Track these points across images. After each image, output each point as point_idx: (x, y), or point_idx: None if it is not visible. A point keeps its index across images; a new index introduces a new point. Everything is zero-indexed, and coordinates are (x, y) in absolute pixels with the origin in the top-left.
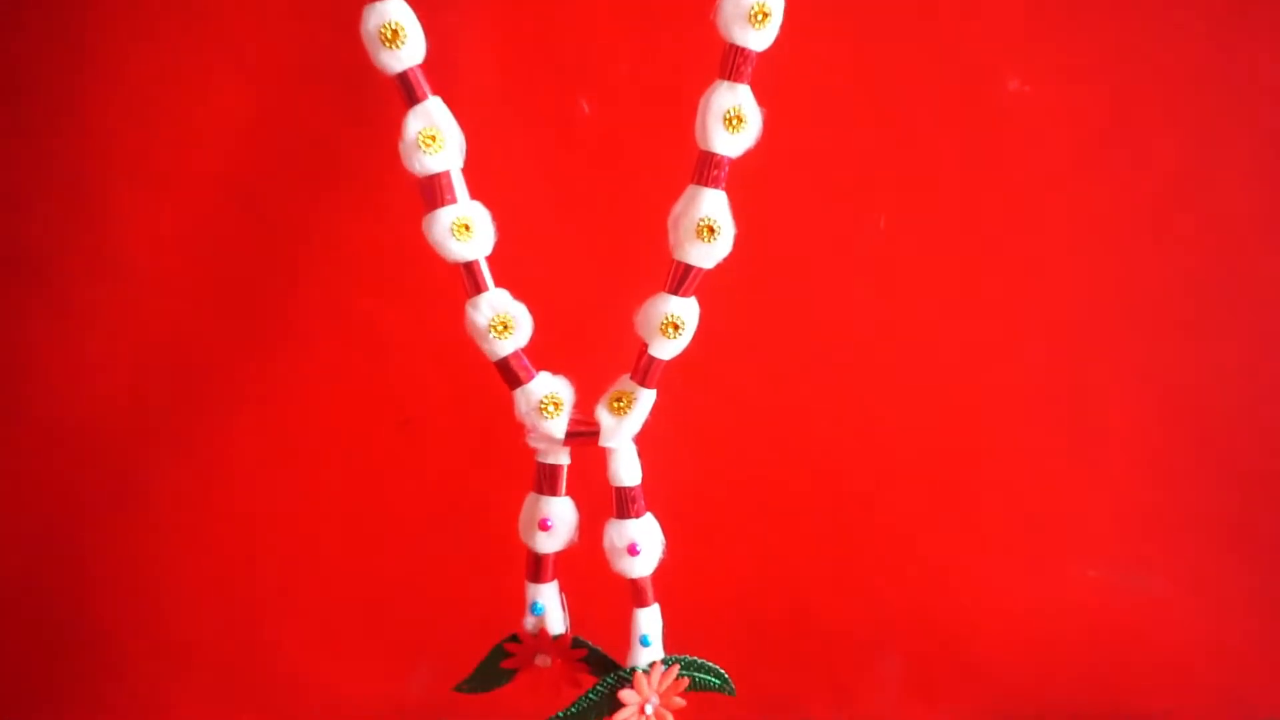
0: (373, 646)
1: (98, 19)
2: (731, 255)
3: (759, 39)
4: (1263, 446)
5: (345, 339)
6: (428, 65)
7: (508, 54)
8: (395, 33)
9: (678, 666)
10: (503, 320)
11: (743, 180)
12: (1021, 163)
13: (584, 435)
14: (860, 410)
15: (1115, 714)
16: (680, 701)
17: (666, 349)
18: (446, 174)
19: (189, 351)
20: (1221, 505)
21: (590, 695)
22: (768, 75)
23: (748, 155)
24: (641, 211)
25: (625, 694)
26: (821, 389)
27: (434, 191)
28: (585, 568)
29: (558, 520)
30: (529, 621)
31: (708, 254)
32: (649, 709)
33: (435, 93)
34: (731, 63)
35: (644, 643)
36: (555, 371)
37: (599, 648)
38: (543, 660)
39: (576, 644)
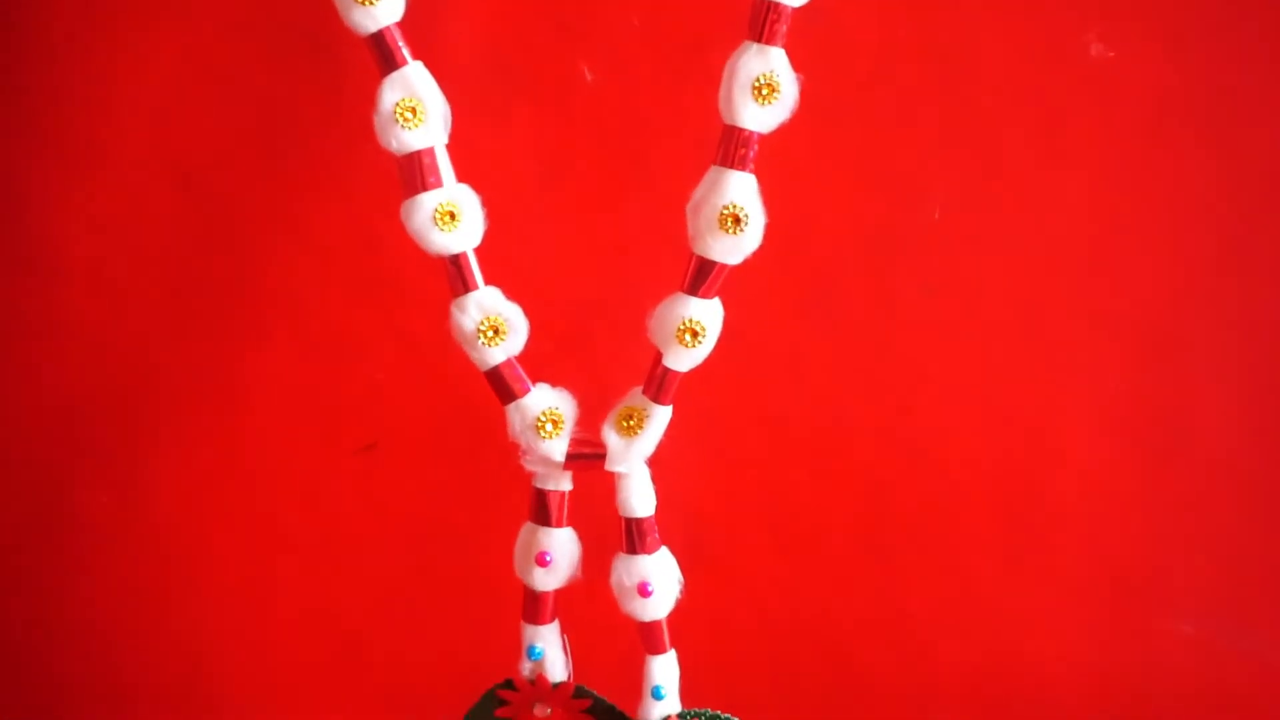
0: (340, 701)
1: None
2: (761, 250)
3: None
4: None
5: (304, 347)
6: (407, 24)
7: (499, 12)
8: None
9: None
10: (494, 324)
11: (775, 161)
12: (1104, 142)
13: (588, 458)
14: (910, 431)
15: None
16: None
17: (684, 359)
18: (429, 152)
19: (118, 359)
20: None
21: None
22: (805, 36)
23: (780, 131)
24: (655, 197)
25: None
26: (865, 406)
27: (414, 173)
28: (590, 608)
29: (558, 554)
30: (526, 667)
31: (733, 248)
32: None
33: (416, 57)
34: (763, 21)
35: (657, 695)
36: (555, 384)
37: (605, 698)
38: (541, 710)
39: (579, 694)
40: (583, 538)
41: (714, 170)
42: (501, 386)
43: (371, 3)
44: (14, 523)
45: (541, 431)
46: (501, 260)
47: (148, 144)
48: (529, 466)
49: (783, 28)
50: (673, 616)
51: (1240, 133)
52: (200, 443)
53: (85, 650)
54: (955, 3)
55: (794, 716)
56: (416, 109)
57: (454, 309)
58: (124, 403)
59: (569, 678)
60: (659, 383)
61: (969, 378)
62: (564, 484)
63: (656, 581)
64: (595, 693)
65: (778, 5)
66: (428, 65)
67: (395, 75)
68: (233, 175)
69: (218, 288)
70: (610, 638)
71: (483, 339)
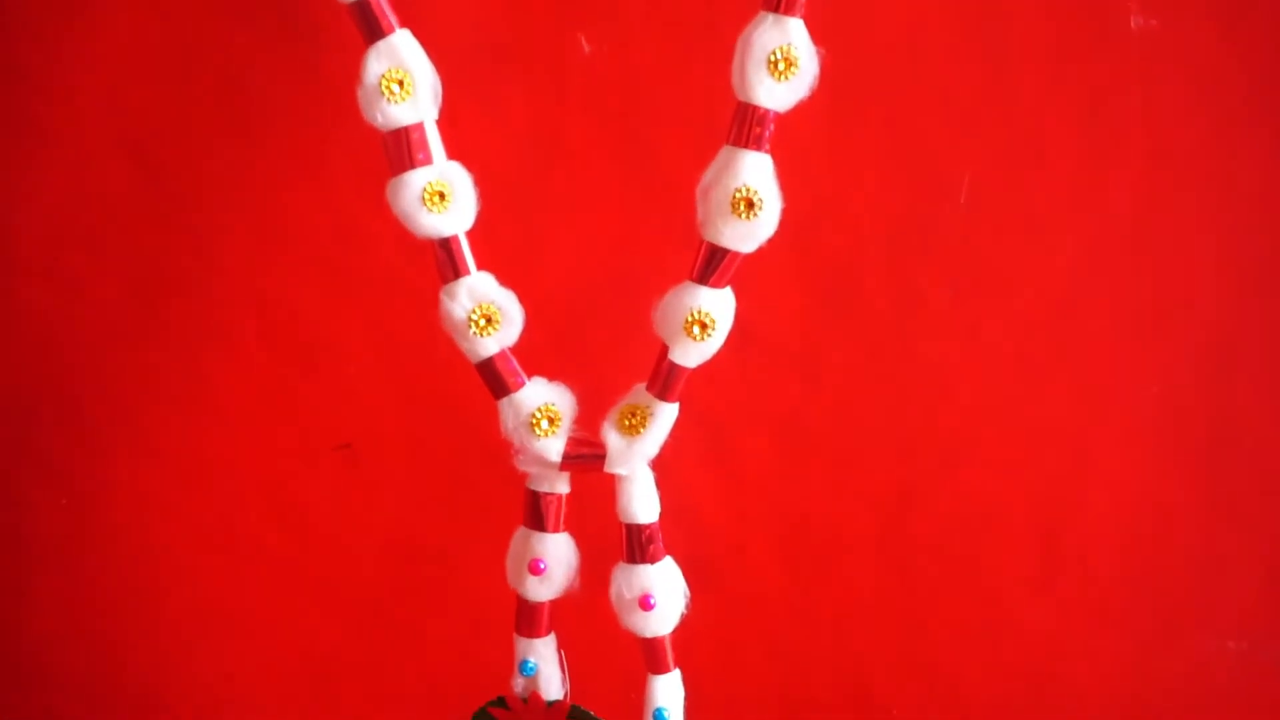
0: None
1: None
2: (774, 238)
3: None
4: None
5: (273, 343)
6: None
7: None
8: None
9: None
10: (486, 312)
11: (792, 142)
12: (1148, 122)
13: (587, 459)
14: (936, 439)
15: None
16: None
17: (693, 353)
18: (418, 127)
19: (74, 357)
20: None
21: None
22: (826, 6)
23: (798, 109)
24: (661, 179)
25: None
26: (887, 411)
27: (401, 150)
28: (588, 622)
29: (553, 562)
30: (518, 683)
31: (746, 234)
32: None
33: (403, 25)
34: None
35: (659, 717)
36: (551, 378)
37: None
38: None
39: (576, 714)
40: (581, 547)
41: (726, 150)
42: (494, 380)
43: None
44: None
45: (536, 429)
46: (494, 246)
47: (102, 124)
48: (523, 467)
49: None
50: (676, 638)
51: None
52: (162, 446)
53: (36, 667)
54: None
55: None
56: (404, 81)
57: (443, 296)
58: (81, 403)
59: (565, 696)
60: (664, 378)
61: (1000, 381)
62: (560, 486)
63: (659, 594)
64: (593, 714)
65: None
66: (415, 34)
67: (381, 44)
68: (196, 157)
69: (181, 280)
70: (610, 655)
71: (474, 329)
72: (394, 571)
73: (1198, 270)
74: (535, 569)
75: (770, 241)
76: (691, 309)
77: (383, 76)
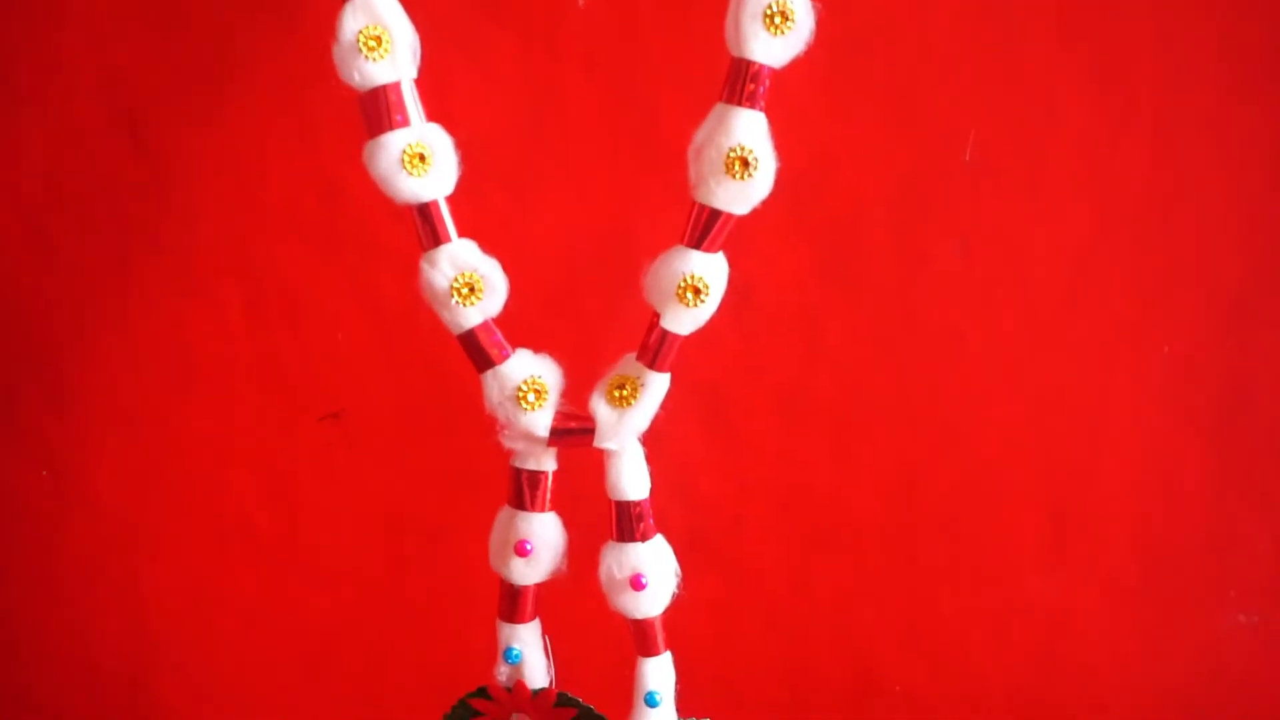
0: (297, 707)
1: None
2: (771, 198)
3: None
4: None
5: (257, 309)
6: None
7: None
8: None
9: None
10: (469, 281)
11: (788, 99)
12: (1165, 79)
13: (575, 433)
14: (941, 409)
15: None
16: None
17: (685, 320)
18: (396, 87)
19: (52, 323)
20: None
21: None
22: None
23: (794, 65)
24: (653, 139)
25: None
26: (890, 380)
27: (379, 111)
28: (576, 606)
29: (540, 543)
30: (502, 672)
31: (740, 195)
32: None
33: None
34: None
35: (650, 702)
36: (537, 349)
37: (591, 707)
38: None
39: (563, 702)
40: (568, 525)
41: (719, 108)
42: (477, 352)
43: None
44: None
45: (523, 403)
46: (479, 211)
47: (82, 84)
48: (508, 443)
49: None
50: (670, 616)
51: None
52: (144, 416)
53: (13, 644)
54: None
55: None
56: (381, 38)
57: (424, 264)
58: (61, 372)
59: (551, 684)
60: (656, 347)
61: (1008, 349)
62: (547, 463)
63: (650, 573)
64: (580, 701)
65: None
66: None
67: (358, 0)
68: (177, 121)
69: (162, 246)
70: (598, 639)
71: (456, 298)
72: (383, 545)
73: (1211, 235)
74: (521, 551)
75: (767, 203)
76: (684, 274)
77: (359, 33)
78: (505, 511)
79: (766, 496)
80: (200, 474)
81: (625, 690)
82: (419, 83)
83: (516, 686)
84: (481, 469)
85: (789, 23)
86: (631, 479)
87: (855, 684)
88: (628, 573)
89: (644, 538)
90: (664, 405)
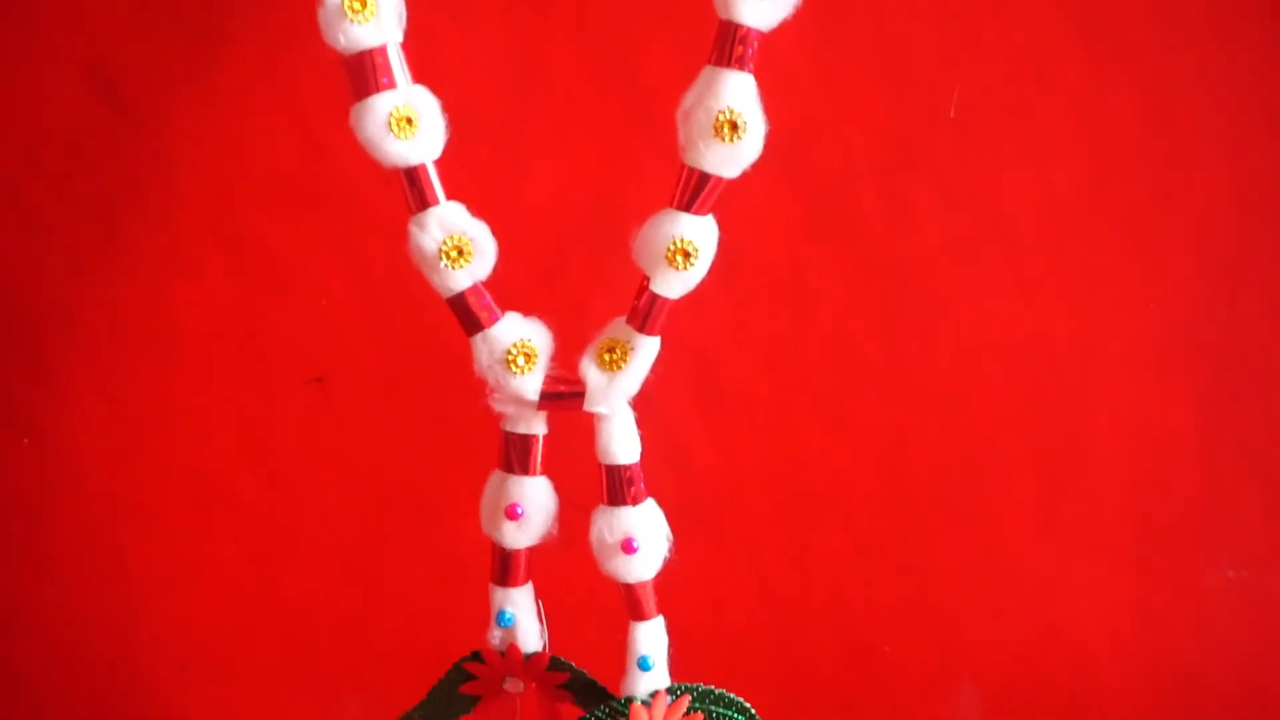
0: (283, 676)
1: None
2: (761, 161)
3: None
4: None
5: (240, 274)
6: None
7: None
8: None
9: (688, 698)
10: (457, 244)
11: (776, 61)
12: (1156, 33)
13: (565, 397)
14: (931, 371)
15: None
16: None
17: (675, 284)
18: (382, 50)
19: (32, 289)
20: None
21: None
22: None
23: (783, 27)
24: (641, 102)
25: None
26: (880, 342)
27: (364, 73)
28: (567, 569)
29: (530, 506)
30: (494, 636)
31: (729, 158)
32: None
33: None
34: None
35: (643, 665)
36: (528, 313)
37: (584, 671)
38: (514, 685)
39: (556, 666)
40: (560, 491)
41: (708, 71)
42: (466, 315)
43: None
44: None
45: (512, 366)
46: (468, 174)
47: (59, 49)
48: (498, 407)
49: None
50: (662, 588)
51: None
52: (126, 383)
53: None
54: None
55: (801, 701)
56: (366, 0)
57: (412, 227)
58: (42, 338)
59: (544, 648)
60: (645, 311)
61: (998, 310)
62: (537, 427)
63: (642, 537)
64: (574, 665)
65: None
66: None
67: None
68: (158, 82)
69: (142, 207)
70: (590, 604)
71: (445, 261)
72: (367, 514)
73: (1202, 188)
74: (512, 514)
75: (756, 165)
76: (673, 237)
77: None
78: (496, 475)
79: (757, 464)
80: (183, 442)
81: (618, 655)
82: (404, 45)
83: (509, 650)
84: (467, 436)
85: None
86: (622, 443)
87: (847, 652)
88: (619, 537)
89: (635, 501)
90: (652, 371)
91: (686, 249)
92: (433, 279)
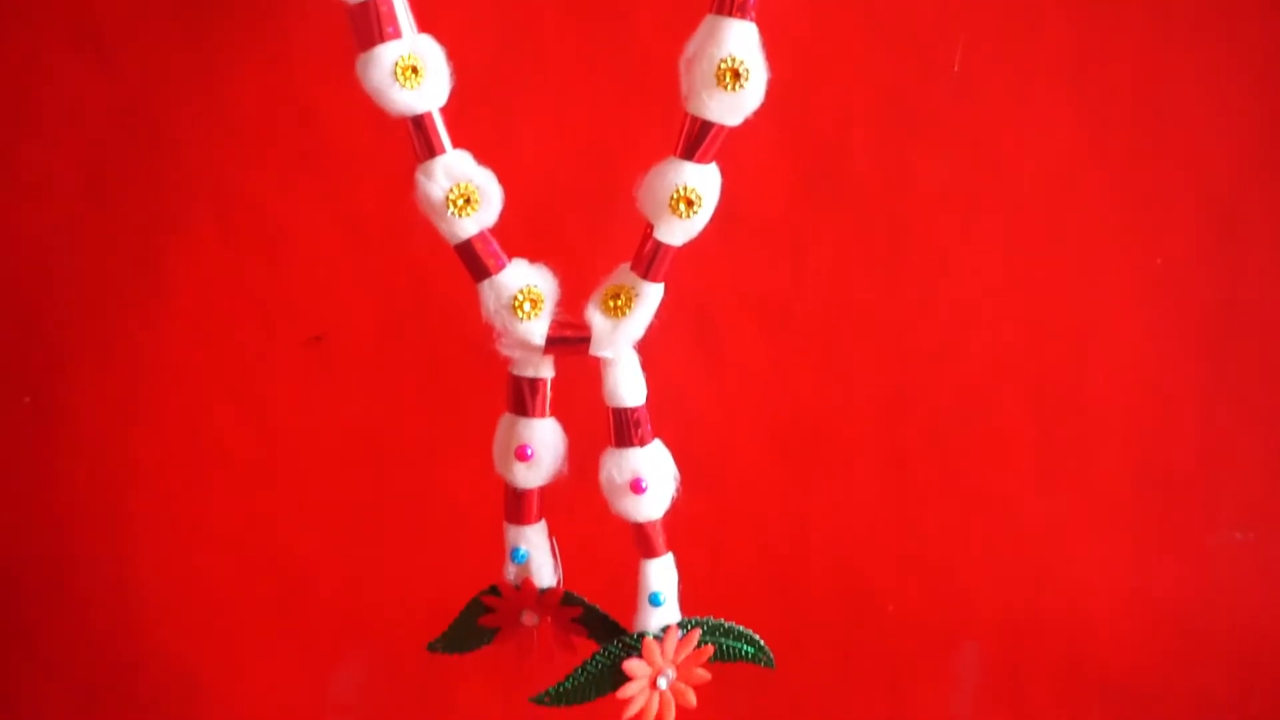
0: (285, 634)
1: None
2: (758, 114)
3: None
4: None
5: (234, 232)
6: None
7: None
8: None
9: (699, 631)
10: (464, 192)
11: (775, 8)
12: None
13: (571, 342)
14: (930, 323)
15: None
16: (704, 674)
17: (678, 231)
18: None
19: (23, 249)
20: None
21: (589, 666)
22: None
23: None
24: (642, 50)
25: (631, 665)
26: (878, 295)
27: (370, 23)
28: (578, 508)
29: (540, 447)
30: (510, 571)
31: (732, 106)
32: (663, 683)
33: None
34: None
35: (654, 601)
36: (533, 259)
37: (596, 606)
38: (530, 618)
39: (569, 600)
40: (569, 431)
41: (710, 19)
42: (474, 262)
43: None
44: None
45: (519, 312)
46: (465, 123)
47: (53, 8)
48: (505, 351)
49: None
50: (670, 519)
51: None
52: (122, 342)
53: None
54: None
55: (800, 649)
56: None
57: (419, 176)
58: (32, 299)
59: (558, 583)
60: (649, 258)
61: (996, 263)
62: (544, 371)
63: (650, 477)
64: (586, 600)
65: None
66: None
67: None
68: (149, 38)
69: (133, 165)
70: (603, 541)
71: (452, 209)
72: (365, 471)
73: (1202, 145)
74: (522, 455)
75: (755, 118)
76: (676, 185)
77: None
78: (506, 418)
79: (756, 415)
80: (180, 400)
81: (630, 590)
82: None
83: (524, 585)
84: (464, 389)
85: None
86: (628, 386)
87: (845, 602)
88: (627, 477)
89: (642, 443)
90: (653, 323)
91: (689, 197)
92: (440, 227)
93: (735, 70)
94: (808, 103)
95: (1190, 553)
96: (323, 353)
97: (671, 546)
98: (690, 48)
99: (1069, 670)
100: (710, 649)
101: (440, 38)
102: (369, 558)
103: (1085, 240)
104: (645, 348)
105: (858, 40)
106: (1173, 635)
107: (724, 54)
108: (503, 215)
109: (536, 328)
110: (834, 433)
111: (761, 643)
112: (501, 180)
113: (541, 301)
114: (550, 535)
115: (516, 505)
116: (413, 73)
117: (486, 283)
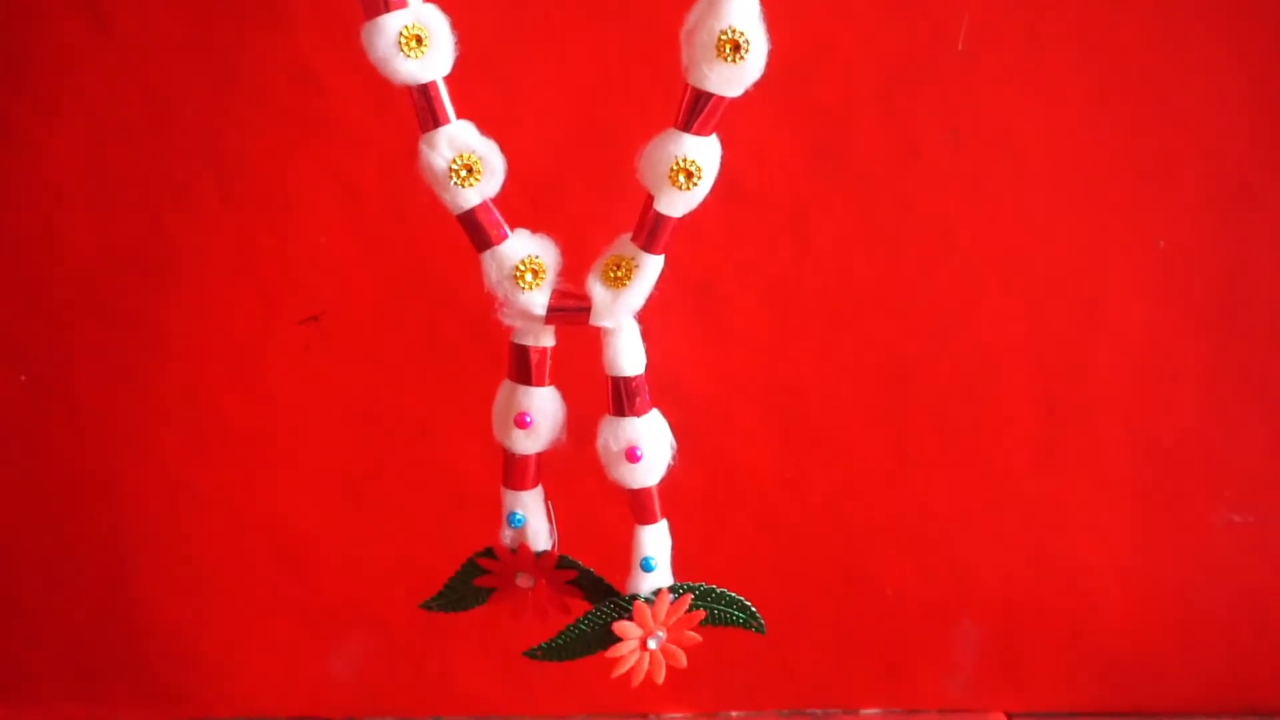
0: (282, 608)
1: None
2: (759, 85)
3: None
4: None
5: (233, 206)
6: None
7: None
8: None
9: (690, 596)
10: (467, 162)
11: None
12: None
13: (572, 311)
14: (933, 299)
15: (1269, 700)
16: (694, 636)
17: (678, 202)
18: None
19: (22, 223)
20: None
21: (581, 625)
22: None
23: None
24: (646, 21)
25: (621, 626)
26: (881, 270)
27: None
28: (575, 474)
29: (539, 415)
30: (506, 535)
31: (732, 77)
32: (653, 644)
33: None
34: None
35: (646, 567)
36: (535, 229)
37: (591, 570)
38: (525, 581)
39: (564, 564)
40: (567, 399)
41: None
42: (476, 232)
43: None
44: None
45: (520, 282)
46: (474, 91)
47: None
48: (507, 321)
49: None
50: (665, 488)
51: None
52: (120, 316)
53: None
54: None
55: (799, 626)
56: None
57: (423, 145)
58: (33, 271)
59: (554, 548)
60: (650, 229)
61: (1001, 239)
62: (545, 340)
63: (646, 446)
64: (581, 564)
65: None
66: None
67: None
68: (148, 4)
69: (132, 138)
70: (597, 507)
71: (455, 179)
72: (363, 445)
73: (1209, 121)
74: (521, 423)
75: (757, 90)
76: (676, 157)
77: None
78: (506, 385)
79: (756, 391)
80: (179, 374)
81: (624, 555)
82: None
83: (520, 548)
84: (462, 363)
85: None
86: (627, 356)
87: (845, 577)
88: (623, 445)
89: (640, 412)
90: (653, 297)
91: (689, 169)
92: (443, 197)
93: (735, 42)
94: (811, 76)
95: (1191, 532)
96: (322, 326)
97: (670, 521)
98: (691, 19)
99: (1069, 649)
100: (702, 613)
101: (443, 7)
102: (367, 533)
103: (1090, 217)
104: (647, 320)
105: (862, 12)
106: (1173, 614)
107: (724, 25)
108: (505, 186)
109: (538, 298)
110: (835, 407)
111: (753, 609)
112: (503, 151)
113: (543, 272)
114: (546, 500)
115: (514, 471)
116: (417, 42)
117: (489, 253)
